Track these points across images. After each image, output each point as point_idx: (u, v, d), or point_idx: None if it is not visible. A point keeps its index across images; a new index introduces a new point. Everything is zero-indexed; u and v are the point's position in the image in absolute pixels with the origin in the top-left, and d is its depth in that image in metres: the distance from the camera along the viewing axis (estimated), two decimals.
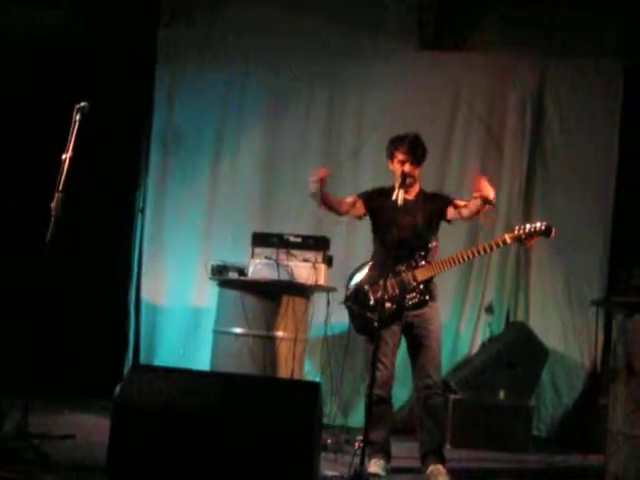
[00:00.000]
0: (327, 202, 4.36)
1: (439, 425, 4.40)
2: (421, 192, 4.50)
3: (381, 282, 4.21)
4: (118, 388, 3.31)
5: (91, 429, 4.80)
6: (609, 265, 6.20)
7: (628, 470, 4.12)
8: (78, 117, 4.26)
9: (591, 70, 6.35)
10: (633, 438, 4.13)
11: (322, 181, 4.23)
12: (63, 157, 4.19)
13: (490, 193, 4.17)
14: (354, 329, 4.53)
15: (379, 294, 4.19)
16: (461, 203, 4.37)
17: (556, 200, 6.31)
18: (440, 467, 4.28)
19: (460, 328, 6.24)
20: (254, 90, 6.59)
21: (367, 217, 4.52)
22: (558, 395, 6.17)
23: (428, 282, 4.36)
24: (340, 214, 4.45)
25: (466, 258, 4.29)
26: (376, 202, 4.46)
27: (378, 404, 4.28)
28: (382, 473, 4.26)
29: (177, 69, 6.63)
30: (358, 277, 4.48)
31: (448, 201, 4.43)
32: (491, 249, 4.28)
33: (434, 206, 4.42)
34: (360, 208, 4.47)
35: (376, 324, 3.99)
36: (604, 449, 4.36)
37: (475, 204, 4.25)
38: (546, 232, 4.17)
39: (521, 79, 6.47)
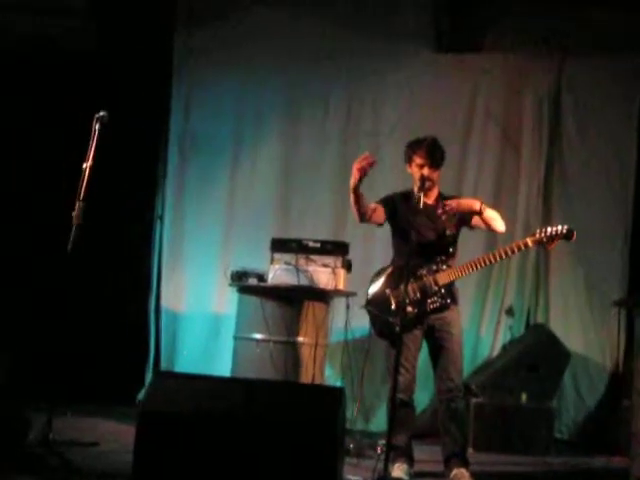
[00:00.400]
0: (359, 198, 4.28)
1: (462, 428, 4.39)
2: (440, 195, 4.50)
3: (402, 286, 4.21)
4: (142, 395, 3.32)
5: (114, 436, 4.81)
6: (630, 265, 6.17)
7: None
8: (98, 126, 4.29)
9: (608, 70, 6.32)
10: None
11: (364, 170, 4.16)
12: (84, 166, 4.22)
13: (472, 204, 4.25)
14: (375, 334, 4.53)
15: (401, 298, 4.19)
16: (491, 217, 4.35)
17: (575, 201, 6.30)
18: (464, 471, 4.27)
19: (481, 331, 6.23)
20: (271, 95, 6.59)
21: (387, 223, 4.52)
22: (580, 397, 6.14)
23: (449, 286, 4.35)
24: (362, 218, 4.37)
25: (488, 262, 4.27)
26: (396, 206, 4.46)
27: (400, 408, 4.27)
28: (405, 477, 4.24)
29: (194, 75, 6.64)
30: (379, 281, 4.47)
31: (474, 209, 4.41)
32: (512, 252, 4.26)
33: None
34: (380, 215, 4.46)
35: (398, 328, 3.97)
36: (628, 451, 4.33)
37: (481, 222, 4.30)
38: (567, 235, 4.16)
39: (538, 81, 6.46)
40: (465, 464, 4.32)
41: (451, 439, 4.33)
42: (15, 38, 6.29)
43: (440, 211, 4.26)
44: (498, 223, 4.34)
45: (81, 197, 4.17)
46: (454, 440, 4.33)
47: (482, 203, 4.30)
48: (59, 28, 6.30)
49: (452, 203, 4.29)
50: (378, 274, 4.51)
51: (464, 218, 4.40)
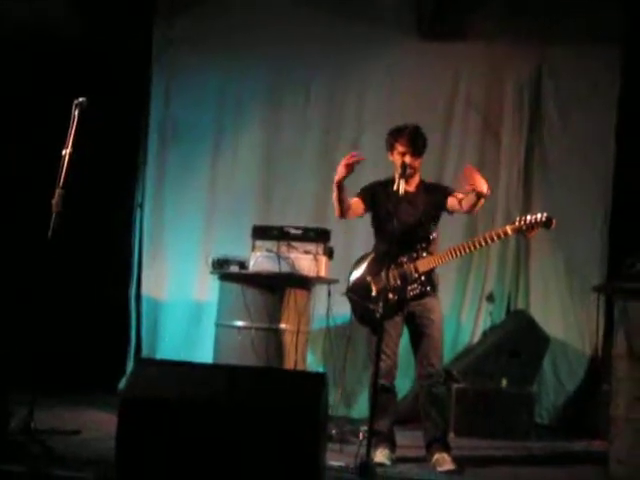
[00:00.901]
0: (341, 193, 4.30)
1: (443, 414, 4.43)
2: (421, 183, 4.51)
3: (383, 273, 4.24)
4: (123, 382, 3.31)
5: (95, 424, 4.79)
6: (609, 251, 6.21)
7: (632, 455, 4.14)
8: (77, 112, 4.25)
9: (589, 56, 6.32)
10: (636, 423, 4.15)
11: (351, 167, 4.19)
12: (63, 153, 4.19)
13: (483, 186, 4.17)
14: (356, 320, 4.55)
15: (381, 285, 4.22)
16: (459, 195, 4.36)
17: (555, 188, 6.32)
18: (445, 455, 4.30)
19: (461, 317, 6.26)
20: (252, 82, 6.57)
21: (368, 213, 4.52)
22: (560, 382, 6.18)
23: (430, 273, 4.37)
24: (342, 214, 4.41)
25: (467, 250, 4.29)
26: (375, 196, 4.47)
27: (382, 394, 4.29)
28: (388, 462, 4.28)
29: (174, 62, 6.61)
30: (360, 268, 4.50)
31: (447, 192, 4.44)
32: (492, 240, 4.27)
33: (434, 197, 4.43)
34: (359, 209, 4.48)
35: (378, 315, 3.99)
36: (607, 435, 4.38)
37: (470, 200, 4.25)
38: (547, 223, 4.17)
39: (519, 67, 6.46)
40: (447, 449, 4.35)
41: (432, 424, 4.36)
42: None
43: (468, 187, 4.20)
44: (475, 210, 4.34)
45: (61, 184, 4.13)
46: (435, 425, 4.36)
47: (489, 188, 4.23)
48: (40, 13, 6.22)
49: (470, 173, 4.18)
50: (359, 261, 4.54)
51: (441, 203, 4.41)
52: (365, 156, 6.23)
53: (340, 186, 4.27)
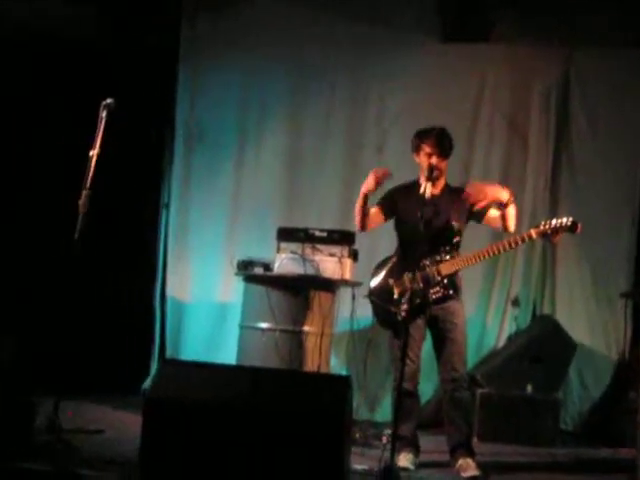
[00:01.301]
0: (365, 205, 4.35)
1: (466, 418, 4.40)
2: (447, 186, 4.48)
3: (405, 276, 4.23)
4: (148, 382, 3.32)
5: (118, 424, 4.82)
6: (636, 256, 6.14)
7: None
8: (104, 114, 4.27)
9: (616, 59, 6.26)
10: None
11: (381, 182, 4.23)
12: (90, 154, 4.21)
13: (501, 194, 4.13)
14: (378, 323, 4.53)
15: (403, 288, 4.20)
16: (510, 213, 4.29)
17: (582, 192, 6.26)
18: (469, 460, 4.27)
19: (486, 321, 6.21)
20: (276, 85, 6.57)
21: (389, 220, 4.52)
22: (585, 389, 6.12)
23: (453, 276, 4.34)
24: (362, 227, 4.45)
25: (492, 254, 4.25)
26: (396, 201, 4.46)
27: (406, 398, 4.27)
28: (411, 467, 4.26)
29: (200, 64, 6.62)
30: (382, 272, 4.48)
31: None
32: (516, 244, 4.23)
33: (459, 200, 4.38)
34: (378, 217, 4.49)
35: (400, 318, 3.97)
36: (634, 443, 4.32)
37: (495, 218, 4.22)
38: (572, 227, 4.11)
39: (545, 71, 6.41)
40: (471, 454, 4.32)
41: (456, 429, 4.34)
42: (13, 26, 6.27)
43: (464, 196, 4.20)
44: (513, 222, 4.28)
45: (87, 185, 4.15)
46: (459, 430, 4.33)
47: (512, 195, 4.22)
48: (67, 16, 6.28)
49: (475, 189, 4.20)
50: (381, 264, 4.53)
51: (477, 213, 4.36)
52: (388, 159, 6.35)
53: (366, 198, 4.30)
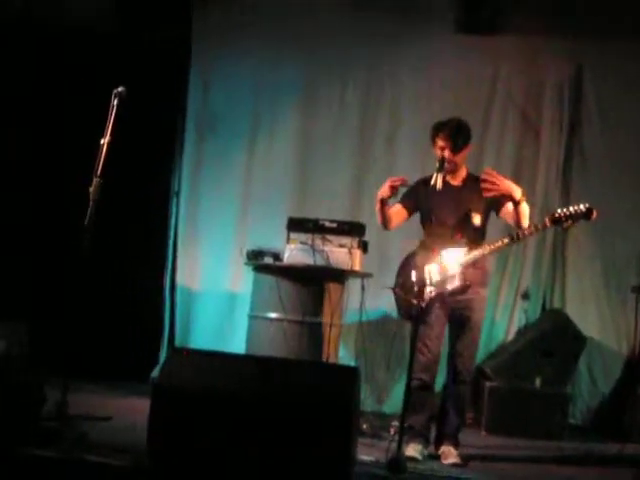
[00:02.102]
0: (384, 208, 4.37)
1: (460, 411, 4.42)
2: (469, 176, 4.45)
3: (426, 268, 4.23)
4: (157, 370, 3.33)
5: (127, 411, 4.84)
6: None
7: None
8: (116, 102, 4.26)
9: (630, 55, 6.22)
10: None
11: (396, 189, 4.24)
12: (101, 142, 4.21)
13: (513, 190, 4.12)
14: (401, 316, 4.51)
15: (423, 280, 4.20)
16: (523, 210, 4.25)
17: (594, 186, 6.23)
18: (452, 449, 4.32)
19: (496, 314, 6.19)
20: (289, 74, 6.55)
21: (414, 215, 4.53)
22: (594, 383, 6.11)
23: (471, 267, 4.29)
24: (385, 225, 4.47)
25: (507, 243, 4.23)
26: (417, 195, 4.45)
27: (420, 389, 4.29)
28: (419, 457, 4.25)
29: (212, 52, 6.62)
30: (407, 264, 4.46)
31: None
32: (531, 234, 4.22)
33: (481, 190, 4.35)
34: (401, 215, 4.49)
35: (419, 310, 3.97)
36: None
37: (510, 213, 4.21)
38: (587, 214, 4.09)
39: (558, 64, 6.38)
40: (455, 444, 4.35)
41: (448, 420, 4.38)
42: (21, 14, 6.29)
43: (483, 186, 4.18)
44: (526, 220, 4.24)
45: (98, 173, 4.15)
46: (450, 421, 4.38)
47: (524, 194, 4.19)
48: (81, 4, 6.29)
49: (491, 179, 4.15)
50: (408, 257, 4.50)
51: (495, 202, 4.33)
52: (400, 152, 6.33)
53: (383, 202, 4.32)
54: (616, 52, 6.25)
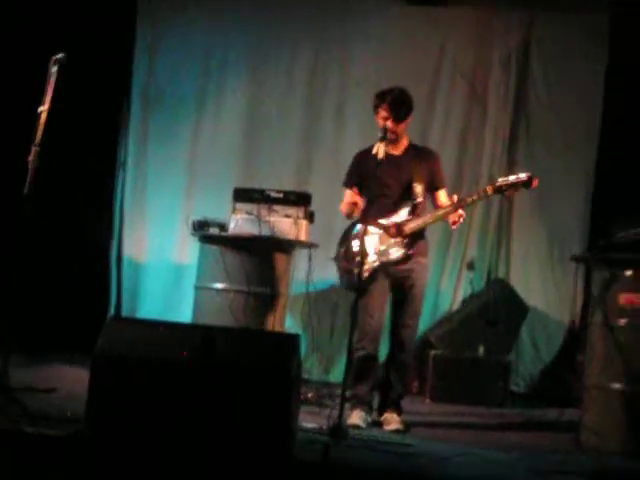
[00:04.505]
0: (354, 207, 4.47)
1: (402, 380, 4.47)
2: (410, 146, 4.48)
3: (367, 237, 4.23)
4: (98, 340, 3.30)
5: (72, 382, 4.79)
6: (591, 221, 6.21)
7: (603, 423, 4.18)
8: (55, 69, 4.18)
9: (577, 27, 6.27)
10: (608, 392, 4.19)
11: (358, 209, 4.36)
12: (39, 110, 4.13)
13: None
14: (343, 285, 4.52)
15: (364, 249, 4.21)
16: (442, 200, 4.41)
17: (539, 156, 6.30)
18: (395, 415, 4.37)
19: (441, 284, 6.27)
20: (237, 46, 6.52)
21: None
22: (537, 351, 6.23)
23: (414, 237, 4.34)
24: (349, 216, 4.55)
25: (448, 212, 4.29)
26: (360, 165, 4.46)
27: (365, 359, 4.32)
28: (362, 425, 4.29)
29: (159, 22, 6.55)
30: (348, 234, 4.47)
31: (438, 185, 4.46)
32: (472, 201, 4.29)
33: (425, 161, 4.41)
34: (356, 196, 4.50)
35: (360, 278, 4.00)
36: (581, 403, 4.42)
37: (447, 212, 4.32)
38: (528, 182, 4.16)
39: (506, 35, 6.41)
40: (397, 411, 4.40)
41: (390, 388, 4.42)
42: None
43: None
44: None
45: (37, 142, 4.07)
46: (392, 389, 4.42)
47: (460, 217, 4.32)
48: None
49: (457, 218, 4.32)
50: (350, 227, 4.51)
51: (433, 184, 4.42)
52: (349, 122, 6.34)
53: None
54: (563, 24, 6.31)
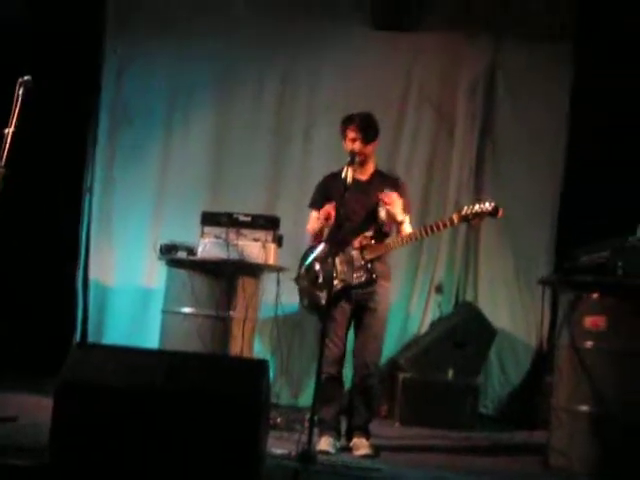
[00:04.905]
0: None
1: (370, 404, 4.45)
2: (376, 172, 4.51)
3: (329, 260, 4.24)
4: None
5: (36, 410, 4.71)
6: (557, 243, 6.27)
7: (571, 445, 4.21)
8: (21, 91, 4.17)
9: (542, 51, 6.36)
10: (575, 414, 4.21)
11: (329, 219, 4.33)
12: (5, 132, 4.11)
13: (397, 215, 4.33)
14: (304, 308, 4.54)
15: (327, 272, 4.22)
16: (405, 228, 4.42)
17: (506, 181, 6.36)
18: (363, 440, 4.35)
19: (410, 308, 6.28)
20: (205, 69, 6.52)
21: None
22: (505, 374, 6.25)
23: (377, 261, 4.37)
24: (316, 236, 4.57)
25: (414, 238, 4.33)
26: (327, 192, 4.48)
27: (329, 382, 4.31)
28: (332, 450, 4.27)
29: (127, 44, 6.52)
30: (310, 256, 4.49)
31: (398, 189, 4.46)
32: (438, 229, 4.28)
33: (388, 187, 4.42)
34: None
35: (323, 302, 3.99)
36: (549, 425, 4.44)
37: (411, 238, 4.34)
38: (493, 212, 4.20)
39: (473, 62, 6.48)
40: (366, 435, 4.39)
41: (357, 413, 4.41)
42: None
43: (380, 195, 4.32)
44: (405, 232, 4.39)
45: (2, 164, 4.04)
46: (359, 415, 4.41)
47: (406, 220, 4.37)
48: None
49: (388, 198, 4.32)
50: (311, 248, 4.53)
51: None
52: (316, 146, 6.35)
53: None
54: (528, 49, 6.37)
